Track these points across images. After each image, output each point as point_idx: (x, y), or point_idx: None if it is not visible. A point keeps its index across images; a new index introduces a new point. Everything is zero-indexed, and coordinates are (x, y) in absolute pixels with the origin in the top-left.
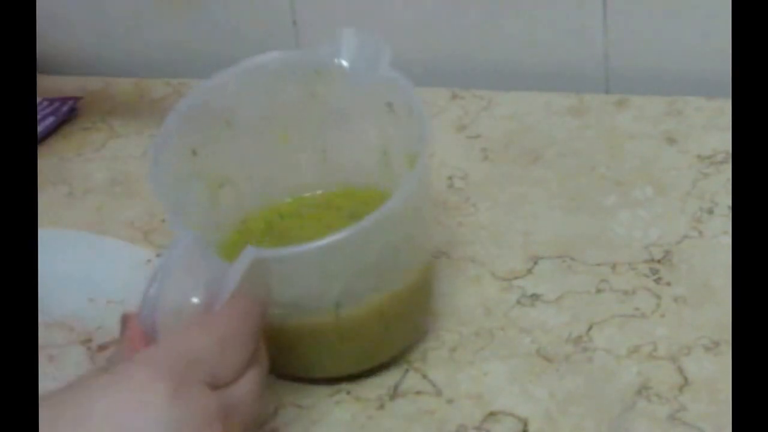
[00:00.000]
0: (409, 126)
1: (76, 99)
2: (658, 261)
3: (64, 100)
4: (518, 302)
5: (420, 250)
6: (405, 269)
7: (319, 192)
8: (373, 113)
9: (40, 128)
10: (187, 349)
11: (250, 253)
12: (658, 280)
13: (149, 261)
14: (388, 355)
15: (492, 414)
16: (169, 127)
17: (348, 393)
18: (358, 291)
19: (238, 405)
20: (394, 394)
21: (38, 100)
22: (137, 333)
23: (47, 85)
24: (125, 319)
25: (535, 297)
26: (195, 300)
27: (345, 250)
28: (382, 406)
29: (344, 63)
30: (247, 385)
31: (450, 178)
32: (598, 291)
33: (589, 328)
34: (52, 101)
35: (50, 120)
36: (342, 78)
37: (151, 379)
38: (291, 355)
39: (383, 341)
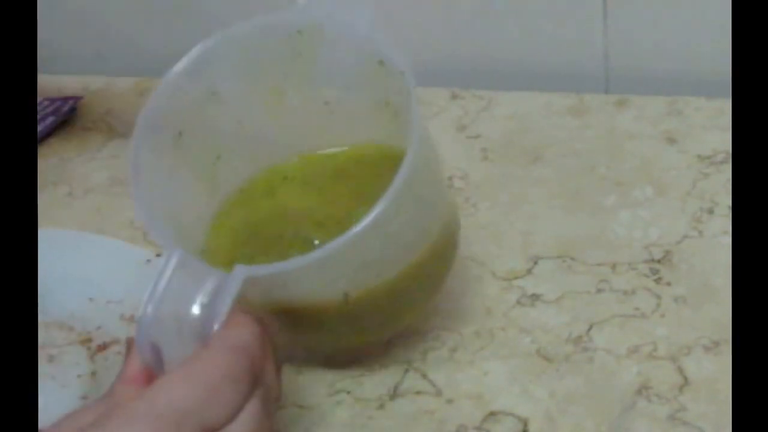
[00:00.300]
0: (405, 85)
1: (77, 99)
2: (658, 261)
3: (64, 99)
4: (518, 302)
5: (431, 223)
6: (416, 246)
7: (328, 150)
8: (367, 70)
9: (40, 128)
10: (172, 404)
11: (241, 272)
12: (658, 280)
13: (149, 261)
14: (411, 321)
15: (492, 414)
16: (146, 122)
17: (348, 393)
18: (365, 281)
19: None
20: (394, 394)
21: (39, 99)
22: (136, 372)
23: (48, 84)
24: (129, 345)
25: (535, 297)
26: (195, 312)
27: (340, 257)
28: (382, 406)
29: (325, 22)
30: (248, 418)
31: (450, 178)
32: (598, 291)
33: (589, 328)
34: (52, 101)
35: (50, 120)
36: (325, 37)
37: None
38: (301, 335)
39: (401, 312)
